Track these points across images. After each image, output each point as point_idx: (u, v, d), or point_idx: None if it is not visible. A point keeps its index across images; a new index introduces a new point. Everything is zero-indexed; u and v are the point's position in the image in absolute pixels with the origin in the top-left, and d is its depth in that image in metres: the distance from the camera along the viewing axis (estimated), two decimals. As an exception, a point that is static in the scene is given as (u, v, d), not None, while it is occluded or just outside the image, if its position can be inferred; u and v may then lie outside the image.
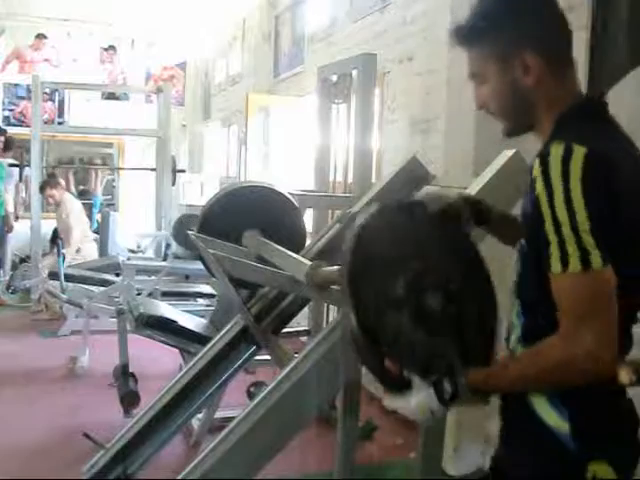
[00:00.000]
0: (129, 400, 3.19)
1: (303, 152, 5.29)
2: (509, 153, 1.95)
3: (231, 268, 1.91)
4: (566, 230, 0.97)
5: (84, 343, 4.36)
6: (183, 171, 7.72)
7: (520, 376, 1.08)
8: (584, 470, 1.08)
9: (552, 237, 0.99)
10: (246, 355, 2.09)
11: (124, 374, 3.35)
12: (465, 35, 1.20)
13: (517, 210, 1.25)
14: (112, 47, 9.38)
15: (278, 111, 5.85)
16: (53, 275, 4.81)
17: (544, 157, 1.02)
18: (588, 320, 0.98)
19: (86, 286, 4.84)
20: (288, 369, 1.76)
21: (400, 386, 1.14)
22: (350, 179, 3.38)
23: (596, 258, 0.97)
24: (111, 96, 9.07)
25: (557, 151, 1.00)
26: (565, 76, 1.17)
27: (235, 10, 7.75)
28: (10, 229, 6.72)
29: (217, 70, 9.08)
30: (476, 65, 1.21)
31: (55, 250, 5.44)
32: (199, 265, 2.66)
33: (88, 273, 5.11)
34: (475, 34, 1.19)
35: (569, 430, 1.09)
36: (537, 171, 1.02)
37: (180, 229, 5.29)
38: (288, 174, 5.60)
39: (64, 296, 4.58)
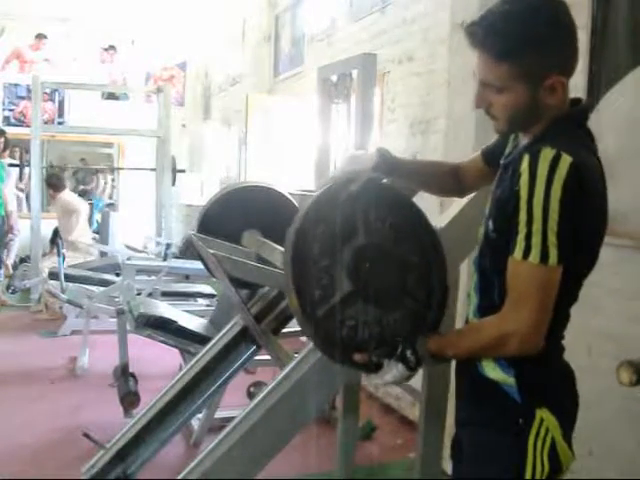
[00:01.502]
0: (129, 400, 3.19)
1: (303, 152, 5.29)
2: None
3: (231, 268, 1.91)
4: (536, 226, 1.10)
5: (84, 343, 4.37)
6: (183, 171, 7.72)
7: (466, 348, 1.27)
8: (533, 416, 1.25)
9: (522, 228, 1.12)
10: (246, 355, 2.08)
11: (124, 374, 3.35)
12: (498, 52, 1.20)
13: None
14: (112, 47, 9.38)
15: (278, 111, 5.85)
16: (53, 275, 4.81)
17: (534, 155, 1.13)
18: (527, 304, 1.14)
19: (86, 286, 4.84)
20: (288, 369, 1.76)
21: (373, 369, 1.30)
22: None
23: (553, 256, 1.11)
24: (111, 96, 9.07)
25: (547, 155, 1.11)
26: (567, 91, 1.25)
27: (235, 10, 7.75)
28: (10, 229, 6.75)
29: (217, 70, 9.08)
30: (499, 78, 1.21)
31: (55, 250, 5.45)
32: (199, 265, 2.65)
33: (88, 273, 5.11)
34: (509, 54, 1.19)
35: (514, 383, 1.26)
36: (525, 166, 1.13)
37: (188, 248, 5.24)
38: (288, 174, 5.59)
39: (64, 296, 4.58)
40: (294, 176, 5.43)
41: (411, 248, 1.36)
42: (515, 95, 1.21)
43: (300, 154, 5.48)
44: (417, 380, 2.13)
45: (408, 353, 1.25)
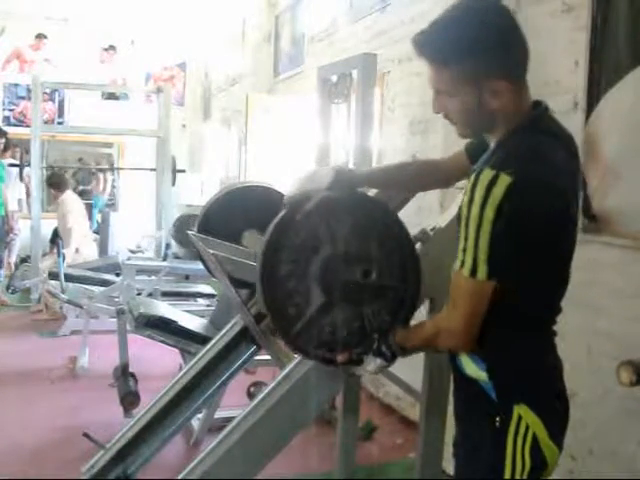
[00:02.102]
0: (129, 400, 3.19)
1: (303, 152, 5.29)
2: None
3: (231, 268, 1.91)
4: (470, 243, 1.21)
5: (84, 343, 4.37)
6: (183, 171, 7.72)
7: (416, 340, 1.39)
8: (510, 413, 1.28)
9: (461, 242, 1.23)
10: (246, 355, 2.08)
11: (124, 374, 3.35)
12: (437, 59, 1.29)
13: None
14: (112, 47, 9.38)
15: (278, 111, 5.85)
16: (53, 275, 4.81)
17: (477, 176, 1.20)
18: (458, 308, 1.26)
19: (86, 286, 4.84)
20: (288, 369, 1.76)
21: (355, 363, 1.45)
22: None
23: (482, 272, 1.21)
24: (111, 96, 9.07)
25: (486, 176, 1.18)
26: (521, 93, 1.31)
27: (235, 10, 7.75)
28: (11, 229, 6.75)
29: (217, 70, 9.08)
30: (444, 83, 1.30)
31: (55, 250, 5.44)
32: (199, 265, 2.65)
33: (88, 273, 5.11)
34: (448, 60, 1.27)
35: (487, 379, 1.31)
36: (469, 187, 1.21)
37: (179, 228, 5.30)
38: (288, 174, 5.59)
39: (64, 296, 4.58)
40: (294, 176, 5.42)
41: (380, 245, 1.46)
42: (462, 99, 1.28)
43: (300, 154, 5.48)
44: (417, 380, 2.14)
45: (383, 348, 1.39)
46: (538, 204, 1.20)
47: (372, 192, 1.78)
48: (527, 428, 1.27)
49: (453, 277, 1.27)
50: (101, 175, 8.92)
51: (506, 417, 1.28)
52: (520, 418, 1.27)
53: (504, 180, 1.16)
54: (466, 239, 1.21)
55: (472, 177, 1.22)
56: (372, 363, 1.41)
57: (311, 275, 1.42)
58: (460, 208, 1.25)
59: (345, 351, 1.44)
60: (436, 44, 1.28)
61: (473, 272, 1.21)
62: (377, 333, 1.42)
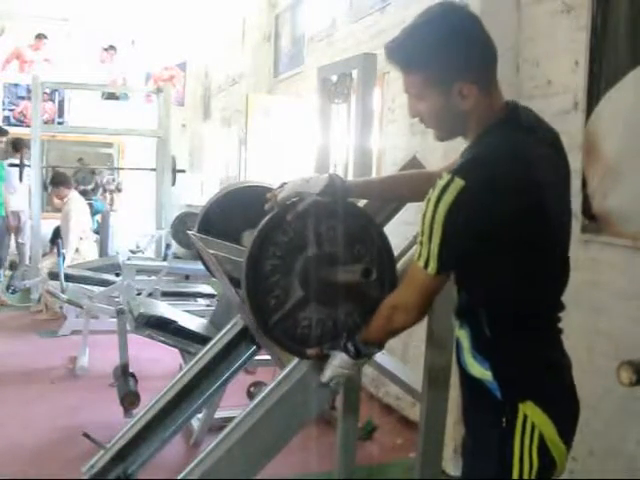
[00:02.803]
0: (129, 400, 3.19)
1: (303, 152, 5.29)
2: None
3: (231, 268, 1.91)
4: (424, 239, 1.28)
5: (84, 343, 4.37)
6: (183, 171, 7.72)
7: (374, 326, 1.44)
8: (516, 412, 1.29)
9: (419, 237, 1.30)
10: (246, 355, 2.08)
11: (124, 374, 3.35)
12: (405, 64, 1.34)
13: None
14: (112, 47, 9.38)
15: (278, 111, 5.85)
16: (53, 275, 4.81)
17: (439, 179, 1.26)
18: (410, 290, 1.35)
19: (86, 286, 4.84)
20: (288, 369, 1.76)
21: (322, 358, 1.54)
22: (350, 179, 3.36)
23: (432, 267, 1.28)
24: (111, 96, 9.06)
25: (443, 180, 1.24)
26: (491, 95, 1.34)
27: (235, 10, 7.75)
28: (18, 230, 6.75)
29: (217, 70, 9.08)
30: (414, 87, 1.35)
31: (55, 250, 5.44)
32: (199, 265, 2.65)
33: (88, 273, 5.10)
34: (414, 64, 1.32)
35: (492, 378, 1.32)
36: (430, 189, 1.27)
37: (179, 227, 5.30)
38: (288, 174, 5.59)
39: (64, 296, 4.57)
40: (294, 176, 5.42)
41: (360, 253, 1.56)
42: (431, 103, 1.33)
43: (300, 154, 5.48)
44: (417, 380, 2.14)
45: (349, 344, 1.47)
46: (500, 202, 1.22)
47: (362, 202, 1.83)
48: (533, 427, 1.27)
49: (412, 264, 1.34)
50: (108, 194, 8.89)
51: (512, 417, 1.28)
52: (526, 418, 1.27)
53: (457, 183, 1.21)
54: (422, 234, 1.28)
55: (437, 179, 1.27)
56: (338, 358, 1.48)
57: (294, 272, 1.51)
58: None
59: (316, 346, 1.54)
60: (403, 50, 1.33)
61: (425, 265, 1.28)
62: (346, 331, 1.53)
